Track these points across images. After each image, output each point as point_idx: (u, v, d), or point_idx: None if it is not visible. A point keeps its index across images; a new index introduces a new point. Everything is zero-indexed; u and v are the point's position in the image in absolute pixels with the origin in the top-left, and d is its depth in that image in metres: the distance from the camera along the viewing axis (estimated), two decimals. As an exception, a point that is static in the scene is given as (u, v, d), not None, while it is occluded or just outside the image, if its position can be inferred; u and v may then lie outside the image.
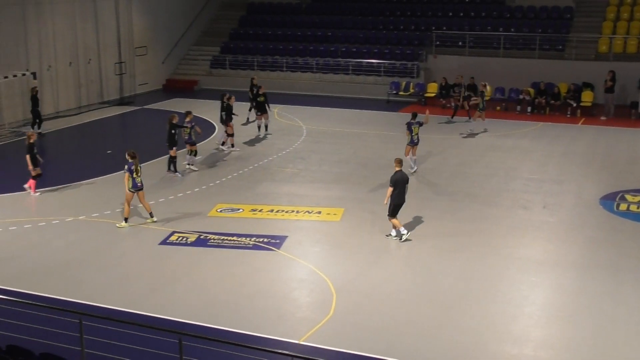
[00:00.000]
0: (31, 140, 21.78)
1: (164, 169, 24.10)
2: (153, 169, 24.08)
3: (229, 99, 26.96)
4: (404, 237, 18.03)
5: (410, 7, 41.79)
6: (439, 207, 20.83)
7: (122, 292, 15.40)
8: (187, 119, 24.22)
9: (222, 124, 27.21)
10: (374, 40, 40.61)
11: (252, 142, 28.29)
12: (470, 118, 30.98)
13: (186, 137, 24.15)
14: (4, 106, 30.64)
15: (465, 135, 29.40)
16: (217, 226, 19.17)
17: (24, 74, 30.87)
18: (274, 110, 34.18)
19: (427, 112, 25.30)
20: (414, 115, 23.96)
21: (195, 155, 24.64)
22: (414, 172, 23.64)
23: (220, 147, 27.07)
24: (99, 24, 36.65)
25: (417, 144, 23.81)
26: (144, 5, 39.84)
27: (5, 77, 30.02)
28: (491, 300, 15.02)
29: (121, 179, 22.81)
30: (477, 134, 29.59)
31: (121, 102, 37.53)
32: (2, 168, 25.37)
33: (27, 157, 21.54)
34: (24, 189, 21.84)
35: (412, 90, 37.00)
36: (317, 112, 34.36)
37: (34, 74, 30.89)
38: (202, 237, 18.39)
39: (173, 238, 18.36)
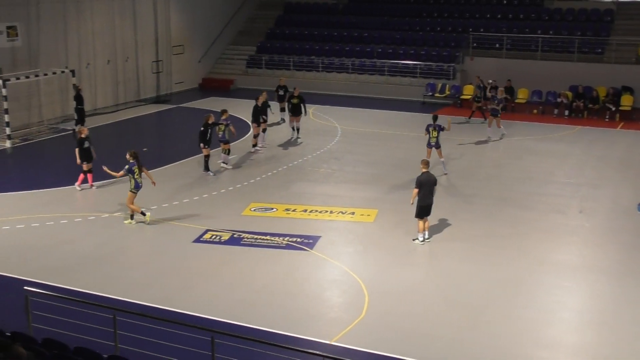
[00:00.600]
0: (82, 135, 22.10)
1: (199, 167, 24.24)
2: (188, 168, 24.24)
3: (256, 99, 27.02)
4: (418, 242, 17.98)
5: (448, 9, 41.58)
6: (473, 210, 20.70)
7: (155, 289, 15.50)
8: (223, 117, 24.32)
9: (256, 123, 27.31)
10: (410, 42, 40.47)
11: (286, 143, 28.32)
12: (485, 119, 30.98)
13: (220, 135, 24.21)
14: (43, 103, 31.00)
15: (493, 139, 29.08)
16: (251, 225, 19.23)
17: (63, 72, 31.22)
18: (310, 110, 34.20)
19: (448, 120, 25.08)
20: (435, 118, 23.80)
21: (228, 154, 24.72)
22: (445, 174, 23.56)
23: (257, 148, 27.01)
24: (137, 23, 36.96)
25: (434, 146, 23.53)
26: (181, 4, 40.09)
27: (45, 75, 30.38)
28: (524, 305, 14.89)
29: (157, 177, 23.00)
30: (493, 140, 29.26)
31: (157, 100, 37.82)
32: (40, 164, 25.66)
33: (76, 150, 21.92)
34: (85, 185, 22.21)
35: (447, 92, 36.81)
36: (352, 113, 34.32)
37: (72, 71, 31.21)
38: (235, 235, 18.46)
39: (207, 236, 18.45)
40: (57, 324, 12.48)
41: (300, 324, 13.97)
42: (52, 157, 27.03)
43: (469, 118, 32.54)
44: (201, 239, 18.27)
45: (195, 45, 41.74)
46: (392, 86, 38.58)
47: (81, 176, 22.04)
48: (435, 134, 23.39)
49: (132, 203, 19.10)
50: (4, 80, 27.70)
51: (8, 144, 27.80)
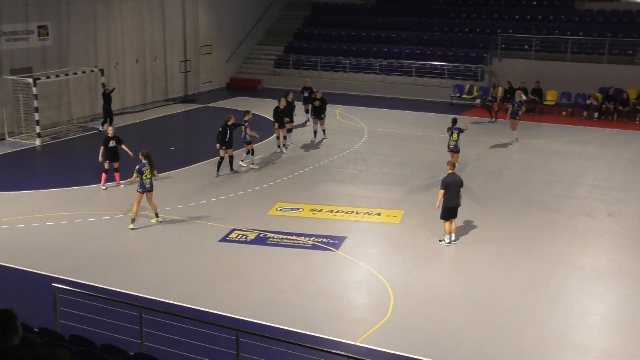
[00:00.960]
0: (108, 134, 22.31)
1: (225, 167, 24.32)
2: (215, 167, 24.30)
3: (278, 101, 26.89)
4: (444, 244, 17.91)
5: (476, 10, 41.37)
6: (499, 212, 20.58)
7: (181, 288, 15.57)
8: (246, 118, 24.34)
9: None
10: (438, 43, 40.32)
11: (313, 144, 28.29)
12: (495, 119, 31.32)
13: (242, 135, 24.20)
14: (72, 102, 31.28)
15: (510, 141, 28.86)
16: (277, 225, 19.26)
17: (92, 71, 31.49)
18: (337, 110, 34.22)
19: (465, 119, 24.92)
20: (454, 121, 23.53)
21: (252, 154, 24.71)
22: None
23: (282, 149, 26.93)
24: (165, 23, 37.17)
25: (454, 151, 23.31)
26: (210, 5, 40.26)
27: (75, 74, 30.65)
28: (551, 308, 14.77)
29: (183, 176, 23.17)
30: (508, 142, 29.06)
31: (185, 99, 38.01)
32: (69, 162, 25.90)
33: (101, 149, 22.13)
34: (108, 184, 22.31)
35: (475, 94, 36.63)
36: (379, 114, 34.27)
37: (102, 70, 31.46)
38: (261, 235, 18.50)
39: (233, 236, 18.51)
40: (84, 320, 12.56)
41: (324, 324, 13.97)
42: (80, 155, 27.25)
43: (495, 119, 32.42)
44: (227, 239, 18.33)
45: (223, 45, 41.90)
46: (419, 87, 38.46)
47: (104, 175, 22.16)
48: (455, 137, 23.22)
49: (137, 203, 18.91)
50: (35, 79, 27.99)
51: (38, 142, 28.08)
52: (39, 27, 30.62)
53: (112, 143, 22.09)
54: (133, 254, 17.48)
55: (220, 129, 23.44)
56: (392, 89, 38.81)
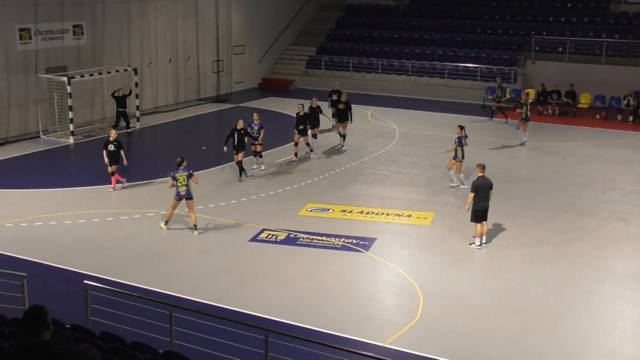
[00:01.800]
0: (109, 138, 22.16)
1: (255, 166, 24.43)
2: (245, 167, 24.37)
3: (299, 106, 26.07)
4: (474, 246, 17.81)
5: (510, 12, 41.09)
6: (531, 215, 20.42)
7: (211, 286, 15.65)
8: (254, 120, 24.09)
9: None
10: (471, 44, 40.12)
11: (339, 147, 28.22)
12: (507, 119, 31.64)
13: (253, 136, 23.91)
14: (106, 100, 31.53)
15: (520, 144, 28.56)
16: (307, 225, 19.28)
17: (125, 70, 31.74)
18: (368, 112, 34.20)
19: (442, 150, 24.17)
20: (462, 128, 22.86)
21: (260, 156, 24.36)
22: (455, 186, 22.55)
23: (311, 154, 26.45)
24: (198, 22, 37.37)
25: (457, 159, 22.49)
26: (243, 5, 40.41)
27: (108, 73, 30.92)
28: (582, 313, 14.63)
29: (215, 175, 23.28)
30: (523, 143, 28.80)
31: (217, 99, 38.19)
32: (101, 160, 26.09)
33: (104, 152, 22.08)
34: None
35: (508, 96, 36.37)
36: (410, 115, 34.17)
37: (135, 70, 31.71)
38: (291, 235, 18.52)
39: (263, 235, 18.55)
40: (115, 318, 12.67)
41: (353, 325, 13.96)
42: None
43: (506, 119, 32.53)
44: (257, 238, 18.38)
45: (256, 45, 42.03)
46: (451, 89, 38.30)
47: (113, 179, 22.14)
48: (466, 143, 22.61)
49: (173, 208, 18.67)
50: (69, 78, 28.28)
51: (71, 140, 28.38)
52: (74, 26, 30.94)
53: (111, 147, 21.91)
54: (164, 253, 17.59)
55: (228, 133, 23.18)
56: (424, 90, 38.66)
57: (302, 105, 26.04)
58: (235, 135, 22.97)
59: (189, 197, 18.51)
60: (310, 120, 26.24)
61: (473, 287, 15.88)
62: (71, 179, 23.59)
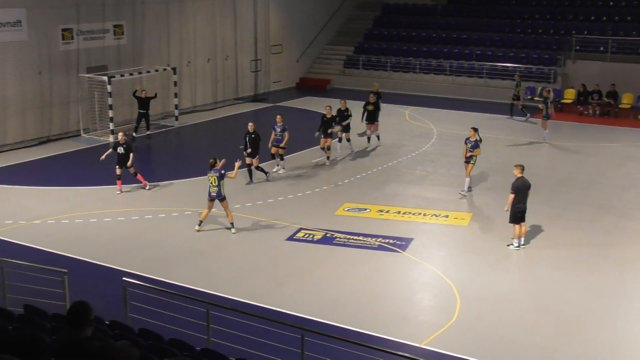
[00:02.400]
0: (118, 140, 22.03)
1: (293, 166, 24.45)
2: (287, 166, 24.46)
3: (326, 109, 25.55)
4: (512, 247, 17.68)
5: (550, 11, 40.68)
6: (571, 217, 20.22)
7: (248, 285, 15.73)
8: (277, 122, 23.74)
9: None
10: (510, 44, 39.79)
11: (381, 144, 28.13)
12: (527, 115, 32.02)
13: (275, 138, 23.64)
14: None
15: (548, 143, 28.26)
16: (344, 225, 19.28)
17: (165, 69, 32.01)
18: (405, 112, 34.12)
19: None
20: (476, 130, 22.12)
21: (282, 159, 24.09)
22: (465, 195, 21.80)
23: (326, 161, 25.52)
24: (237, 22, 37.55)
25: (466, 161, 21.80)
26: (281, 4, 40.53)
27: (148, 72, 31.20)
28: (623, 317, 14.46)
29: (245, 176, 23.33)
30: (551, 142, 28.47)
31: (255, 98, 38.33)
32: (141, 159, 26.35)
33: (109, 150, 22.02)
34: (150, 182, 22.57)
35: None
36: (448, 115, 34.01)
37: (174, 69, 31.96)
38: (328, 235, 18.55)
39: (299, 235, 18.60)
40: (153, 315, 12.79)
41: (390, 325, 13.94)
42: (151, 152, 27.75)
43: (527, 116, 32.70)
44: (294, 238, 18.43)
45: (294, 44, 42.13)
46: (490, 89, 38.02)
47: (119, 182, 21.93)
48: (469, 147, 21.73)
49: (208, 209, 18.66)
50: (109, 77, 28.60)
51: (111, 138, 28.68)
52: (115, 26, 31.29)
53: (120, 150, 21.64)
54: (202, 251, 17.72)
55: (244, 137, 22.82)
56: (462, 90, 38.45)
57: (330, 107, 25.53)
58: (247, 138, 22.65)
59: (220, 198, 18.45)
60: (339, 123, 25.49)
61: (511, 288, 15.77)
62: (111, 177, 23.78)
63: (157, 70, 31.65)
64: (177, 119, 31.92)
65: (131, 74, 30.36)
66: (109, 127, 28.90)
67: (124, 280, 12.93)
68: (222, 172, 18.53)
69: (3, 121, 27.31)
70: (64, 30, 29.17)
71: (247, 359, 10.18)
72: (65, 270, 13.08)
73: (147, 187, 22.18)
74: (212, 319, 11.82)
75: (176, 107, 32.06)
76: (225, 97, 37.44)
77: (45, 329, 9.73)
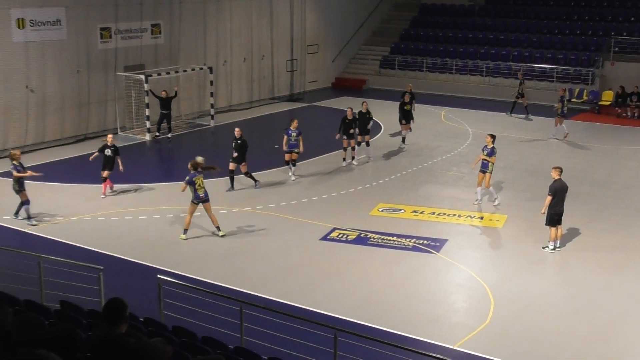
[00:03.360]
0: (107, 142, 21.43)
1: (328, 166, 24.46)
2: (317, 166, 24.49)
3: (348, 110, 25.18)
4: (548, 250, 17.50)
5: (589, 12, 40.24)
6: (607, 220, 19.99)
7: (281, 284, 15.77)
8: (292, 127, 23.08)
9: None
10: (548, 45, 39.42)
11: (416, 145, 28.07)
12: (528, 114, 32.72)
13: (290, 143, 23.06)
14: (181, 98, 32.02)
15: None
16: (378, 225, 19.26)
17: (201, 68, 32.19)
18: (441, 112, 33.97)
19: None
20: (493, 137, 21.36)
21: (294, 165, 23.48)
22: (497, 204, 20.99)
23: (352, 162, 25.31)
24: (273, 22, 37.66)
25: (481, 170, 20.95)
26: (317, 4, 40.57)
27: (184, 71, 31.41)
28: (660, 321, 14.28)
29: (286, 173, 23.39)
30: (556, 137, 28.09)
31: (291, 98, 38.42)
32: (176, 157, 26.57)
33: (95, 154, 21.53)
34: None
35: (585, 98, 35.65)
36: (484, 116, 33.78)
37: (210, 68, 32.13)
38: (362, 235, 18.53)
39: (333, 235, 18.61)
40: (187, 313, 12.87)
41: (423, 326, 13.90)
42: (187, 151, 27.88)
43: (527, 115, 33.29)
44: (328, 237, 18.44)
45: (330, 44, 42.14)
46: (526, 90, 37.57)
47: (104, 185, 21.51)
48: (485, 154, 20.97)
49: (190, 214, 18.26)
50: (146, 76, 28.84)
51: (147, 137, 28.94)
52: (152, 25, 31.55)
53: (108, 152, 21.19)
54: (235, 250, 17.79)
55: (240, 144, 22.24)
56: (498, 91, 38.12)
57: (352, 109, 25.24)
58: (233, 144, 22.04)
59: (207, 199, 18.25)
60: (358, 126, 25.11)
61: (546, 291, 15.63)
62: (146, 176, 24.05)
63: (193, 70, 31.84)
64: (212, 118, 32.08)
65: (168, 73, 30.60)
66: (145, 126, 29.14)
67: (159, 277, 13.04)
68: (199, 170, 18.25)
69: (42, 119, 27.67)
70: (102, 29, 29.49)
71: (280, 358, 10.19)
72: (101, 267, 13.23)
73: (107, 194, 21.57)
74: (246, 318, 11.87)
75: (212, 106, 32.22)
76: (261, 97, 37.55)
77: (81, 324, 9.85)
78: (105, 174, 21.25)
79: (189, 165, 18.33)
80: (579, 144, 28.40)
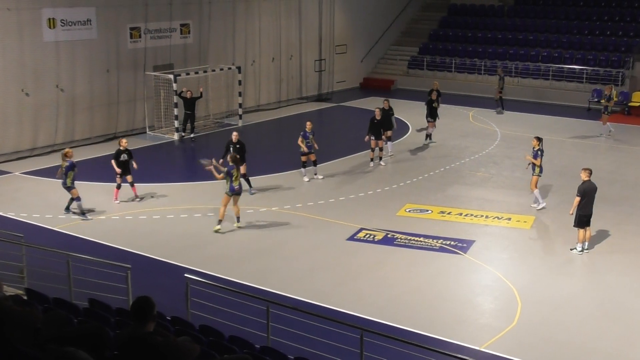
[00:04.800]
0: (120, 147, 21.12)
1: (356, 166, 24.45)
2: (345, 166, 24.48)
3: (376, 111, 25.14)
4: (576, 252, 17.34)
5: (619, 12, 39.86)
6: (638, 222, 19.79)
7: (308, 284, 15.80)
8: (308, 129, 23.10)
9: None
10: (577, 46, 39.11)
11: (444, 145, 28.01)
12: (503, 109, 32.94)
13: (308, 145, 23.02)
14: (210, 98, 32.22)
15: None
16: (405, 226, 19.23)
17: (229, 68, 32.32)
18: (470, 113, 33.84)
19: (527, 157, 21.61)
20: (540, 140, 21.11)
21: (315, 165, 23.39)
22: (540, 208, 20.68)
23: (380, 163, 25.26)
24: (302, 22, 37.72)
25: (536, 173, 20.72)
26: (346, 5, 40.55)
27: (213, 71, 31.56)
28: (690, 325, 14.12)
29: (309, 174, 23.38)
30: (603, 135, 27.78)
31: (319, 98, 38.45)
32: (204, 157, 26.62)
33: (112, 162, 21.02)
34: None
35: (615, 99, 35.27)
36: (513, 117, 33.57)
37: (239, 68, 32.25)
38: (389, 235, 18.52)
39: (360, 235, 18.61)
40: (213, 312, 12.92)
41: (449, 327, 13.86)
42: (215, 150, 27.97)
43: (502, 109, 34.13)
44: (355, 237, 18.45)
45: (358, 45, 42.12)
46: (555, 91, 37.42)
47: (116, 191, 21.12)
48: (531, 155, 20.88)
49: (225, 205, 18.64)
50: (175, 76, 29.01)
51: (176, 136, 29.11)
52: (182, 25, 31.74)
53: (123, 157, 20.94)
54: (262, 249, 17.85)
55: (225, 146, 22.02)
56: (527, 92, 37.89)
57: (380, 110, 25.17)
58: (231, 149, 21.45)
59: (240, 192, 18.79)
60: (383, 124, 25.12)
61: (573, 293, 15.52)
62: (174, 175, 24.22)
63: (222, 69, 31.98)
64: (241, 117, 32.19)
65: (197, 73, 30.75)
66: (174, 125, 29.32)
67: (186, 276, 13.11)
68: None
69: (72, 118, 27.93)
70: (132, 29, 29.72)
71: (306, 358, 10.22)
72: (129, 266, 13.33)
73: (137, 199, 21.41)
74: (272, 317, 11.90)
75: (240, 105, 32.33)
76: (289, 97, 37.63)
77: (109, 322, 9.94)
78: (129, 178, 21.07)
79: (229, 158, 19.04)
80: (608, 145, 28.16)
